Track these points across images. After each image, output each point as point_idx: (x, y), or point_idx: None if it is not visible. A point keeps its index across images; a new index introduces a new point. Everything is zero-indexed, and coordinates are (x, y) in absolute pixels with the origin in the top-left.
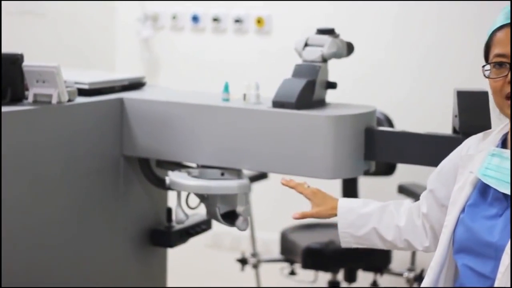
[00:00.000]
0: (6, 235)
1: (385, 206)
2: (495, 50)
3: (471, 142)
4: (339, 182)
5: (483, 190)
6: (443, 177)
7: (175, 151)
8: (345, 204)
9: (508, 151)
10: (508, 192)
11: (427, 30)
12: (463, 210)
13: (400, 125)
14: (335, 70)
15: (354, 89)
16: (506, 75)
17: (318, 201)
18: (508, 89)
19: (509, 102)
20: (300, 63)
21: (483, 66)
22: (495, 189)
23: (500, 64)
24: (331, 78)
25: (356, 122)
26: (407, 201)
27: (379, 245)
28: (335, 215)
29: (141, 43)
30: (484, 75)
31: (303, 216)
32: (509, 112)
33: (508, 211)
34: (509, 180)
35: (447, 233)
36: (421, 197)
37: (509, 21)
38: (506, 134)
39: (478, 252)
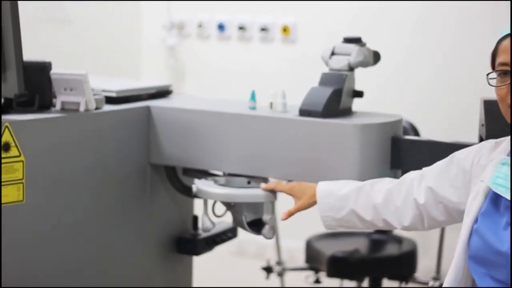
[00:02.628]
0: (33, 242)
1: (362, 186)
2: (500, 59)
3: (483, 152)
4: None
5: (494, 199)
6: (448, 179)
7: (202, 159)
8: (324, 187)
9: None
10: None
11: (455, 38)
12: (476, 220)
13: (426, 134)
14: (361, 78)
15: (380, 97)
16: (510, 83)
17: (298, 194)
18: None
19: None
20: (327, 72)
21: (488, 74)
22: (505, 198)
23: (504, 73)
24: (357, 87)
25: (382, 130)
26: (387, 180)
27: (359, 226)
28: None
29: (166, 51)
30: (489, 83)
31: (289, 215)
32: None
33: None
34: None
35: (461, 242)
36: (414, 185)
37: None
38: None
39: (493, 261)
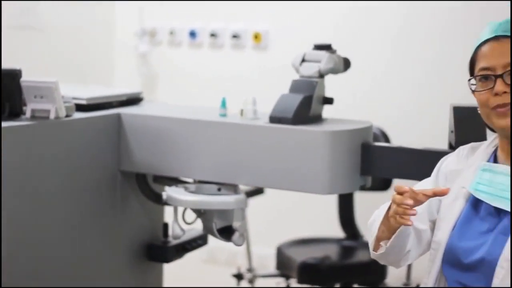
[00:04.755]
0: (5, 248)
1: None
2: (480, 64)
3: (450, 159)
4: (335, 197)
5: (475, 205)
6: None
7: (172, 166)
8: None
9: (499, 165)
10: (501, 206)
11: (423, 46)
12: (454, 225)
13: (397, 140)
14: (332, 85)
15: (351, 104)
16: (492, 88)
17: None
18: (493, 101)
19: (495, 112)
20: (297, 79)
21: (469, 80)
22: (487, 204)
23: (485, 77)
24: (328, 94)
25: (353, 137)
26: None
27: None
28: None
29: (138, 58)
30: (471, 89)
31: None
32: (496, 122)
33: (499, 226)
34: (501, 195)
35: (440, 249)
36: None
37: (493, 35)
38: (496, 148)
39: (470, 267)
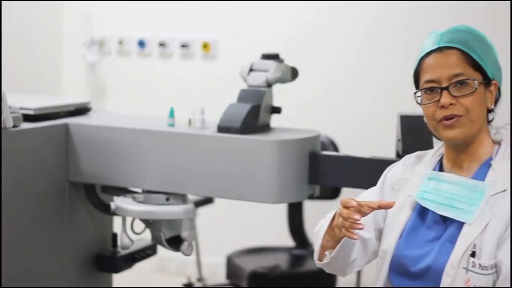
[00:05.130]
0: None
1: None
2: (425, 77)
3: (396, 168)
4: (284, 206)
5: (421, 214)
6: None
7: (121, 176)
8: None
9: (445, 174)
10: (447, 214)
11: (371, 55)
12: (401, 234)
13: (345, 149)
14: (280, 94)
15: (299, 113)
16: (438, 100)
17: None
18: (440, 114)
19: (442, 124)
20: (245, 88)
21: (415, 93)
22: (433, 212)
23: (431, 90)
24: (276, 103)
25: (300, 146)
26: None
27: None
28: None
29: (87, 68)
30: (417, 102)
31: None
32: (444, 134)
33: (446, 234)
34: (447, 203)
35: (386, 257)
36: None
37: (436, 46)
38: (442, 157)
39: (417, 275)
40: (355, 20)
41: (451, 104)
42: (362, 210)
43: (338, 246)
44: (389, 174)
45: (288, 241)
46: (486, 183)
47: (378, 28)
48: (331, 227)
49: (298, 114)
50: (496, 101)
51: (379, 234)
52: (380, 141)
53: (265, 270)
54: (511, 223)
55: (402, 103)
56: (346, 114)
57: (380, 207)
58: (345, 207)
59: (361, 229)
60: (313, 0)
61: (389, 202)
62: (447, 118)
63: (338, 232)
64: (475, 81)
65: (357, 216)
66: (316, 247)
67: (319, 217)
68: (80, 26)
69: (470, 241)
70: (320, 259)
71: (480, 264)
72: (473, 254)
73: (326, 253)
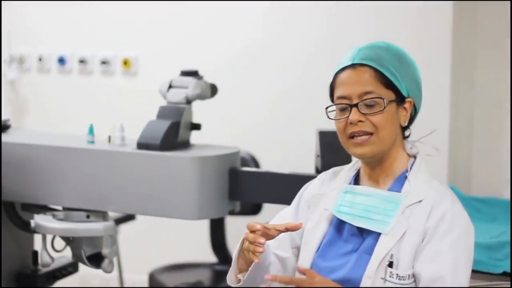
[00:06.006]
0: None
1: None
2: (338, 92)
3: (312, 186)
4: (206, 222)
5: (338, 228)
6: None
7: (40, 194)
8: None
9: (360, 186)
10: (362, 226)
11: (290, 71)
12: (318, 248)
13: (267, 165)
14: (200, 111)
15: (220, 130)
16: (348, 116)
17: None
18: (349, 129)
19: (351, 141)
20: (165, 105)
21: (327, 108)
22: (350, 226)
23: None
24: (196, 120)
25: (220, 162)
26: None
27: None
28: None
29: (7, 85)
30: (328, 117)
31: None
32: (353, 150)
33: (363, 246)
34: (362, 215)
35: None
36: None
37: (350, 63)
38: (358, 171)
39: None
40: (277, 36)
41: (360, 121)
42: (269, 233)
43: (250, 268)
44: (305, 192)
45: (210, 257)
46: (402, 194)
47: (297, 45)
48: (242, 250)
49: (219, 130)
50: (412, 118)
51: (298, 251)
52: (300, 157)
53: (188, 286)
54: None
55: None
56: (267, 129)
57: (287, 230)
58: (251, 231)
59: (261, 252)
60: (233, 15)
61: (296, 224)
62: (356, 134)
63: (248, 255)
64: (384, 100)
65: (261, 240)
66: (230, 271)
67: (241, 233)
68: None
69: (387, 250)
70: (233, 282)
71: (397, 274)
72: (390, 264)
73: (239, 276)
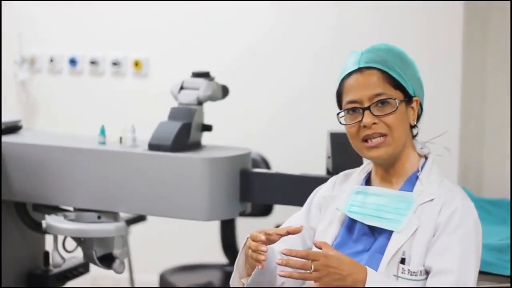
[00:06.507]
0: None
1: None
2: (347, 98)
3: (324, 189)
4: (217, 223)
5: (349, 228)
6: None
7: (52, 194)
8: None
9: (371, 187)
10: (374, 224)
11: (302, 72)
12: None
13: (277, 166)
14: (211, 112)
15: (231, 131)
16: (360, 120)
17: None
18: (363, 133)
19: (366, 144)
20: (176, 106)
21: (338, 114)
22: (361, 225)
23: (353, 110)
24: (207, 121)
25: (231, 164)
26: None
27: None
28: None
29: (18, 86)
30: (340, 122)
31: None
32: (368, 153)
33: (375, 245)
34: (374, 214)
35: None
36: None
37: (356, 67)
38: (369, 174)
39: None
40: (286, 38)
41: (374, 123)
42: (271, 238)
43: (253, 273)
44: (317, 195)
45: (221, 258)
46: (414, 193)
47: (308, 47)
48: (247, 256)
49: (230, 131)
50: (418, 117)
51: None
52: (311, 158)
53: (198, 287)
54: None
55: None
56: (278, 131)
57: (288, 233)
58: (254, 240)
59: (264, 260)
60: (243, 17)
61: (297, 227)
62: (370, 136)
63: (251, 261)
64: (396, 100)
65: (263, 248)
66: (233, 275)
67: None
68: (10, 44)
69: (399, 247)
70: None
71: (409, 269)
72: (402, 261)
73: (243, 280)
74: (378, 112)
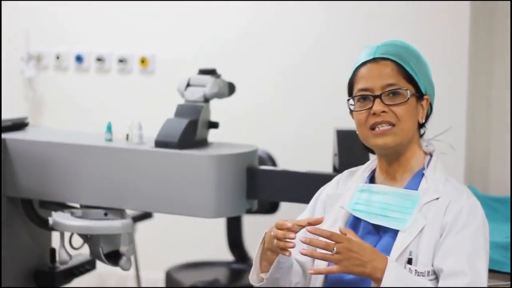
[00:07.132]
0: None
1: None
2: (359, 85)
3: (329, 188)
4: (223, 220)
5: (354, 226)
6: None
7: (58, 191)
8: None
9: (376, 185)
10: (379, 223)
11: (308, 71)
12: None
13: (284, 163)
14: (218, 109)
15: (237, 128)
16: (370, 108)
17: None
18: (371, 120)
19: (373, 132)
20: (183, 103)
21: (348, 100)
22: (365, 223)
23: (364, 98)
24: (214, 118)
25: (238, 161)
26: None
27: None
28: None
29: (24, 83)
30: (350, 109)
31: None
32: (373, 141)
33: (380, 243)
34: (379, 212)
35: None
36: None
37: (371, 57)
38: (373, 171)
39: (352, 283)
40: (293, 35)
41: (383, 111)
42: (292, 229)
43: (271, 268)
44: (322, 194)
45: (227, 255)
46: (419, 191)
47: (316, 43)
48: (264, 251)
49: (237, 128)
50: (427, 117)
51: None
52: (318, 156)
53: (204, 284)
54: None
55: (339, 117)
56: (284, 128)
57: (309, 224)
58: (280, 229)
59: (292, 247)
60: (250, 15)
61: (318, 218)
62: (378, 123)
63: (270, 255)
64: (408, 91)
65: (292, 235)
66: (252, 271)
67: (258, 231)
68: (17, 41)
69: (405, 246)
70: (255, 282)
71: (416, 270)
72: (409, 261)
73: (261, 275)
74: (388, 101)
